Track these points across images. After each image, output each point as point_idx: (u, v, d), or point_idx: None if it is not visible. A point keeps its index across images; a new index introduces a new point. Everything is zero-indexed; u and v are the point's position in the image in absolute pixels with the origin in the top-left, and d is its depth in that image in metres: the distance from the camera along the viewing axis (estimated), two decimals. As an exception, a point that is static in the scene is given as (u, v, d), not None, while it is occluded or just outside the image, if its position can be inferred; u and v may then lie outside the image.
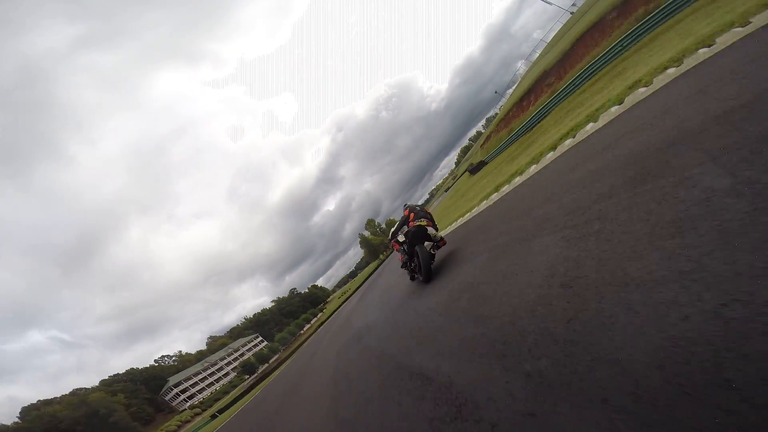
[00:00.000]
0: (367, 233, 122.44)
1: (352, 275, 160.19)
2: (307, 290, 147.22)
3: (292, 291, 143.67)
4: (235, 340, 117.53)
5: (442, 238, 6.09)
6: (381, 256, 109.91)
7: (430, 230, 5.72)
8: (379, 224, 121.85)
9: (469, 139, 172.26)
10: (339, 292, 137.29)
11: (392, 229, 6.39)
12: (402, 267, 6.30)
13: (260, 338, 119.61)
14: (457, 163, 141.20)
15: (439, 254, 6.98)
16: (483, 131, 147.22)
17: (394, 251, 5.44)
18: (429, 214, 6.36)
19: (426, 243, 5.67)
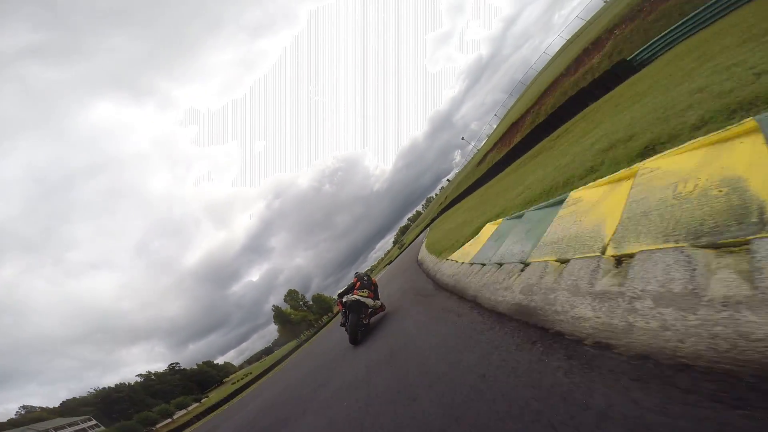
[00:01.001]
0: (285, 306, 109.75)
1: (267, 351, 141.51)
2: (196, 366, 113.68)
3: (172, 366, 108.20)
4: (58, 416, 79.14)
5: (381, 305, 7.37)
6: (302, 336, 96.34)
7: (367, 301, 6.82)
8: (303, 297, 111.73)
9: (408, 219, 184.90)
10: (244, 371, 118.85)
11: (339, 291, 7.41)
12: (341, 325, 7.23)
13: (93, 422, 79.81)
14: (395, 242, 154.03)
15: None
16: (422, 211, 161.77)
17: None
18: (374, 284, 7.38)
19: (365, 308, 6.80)
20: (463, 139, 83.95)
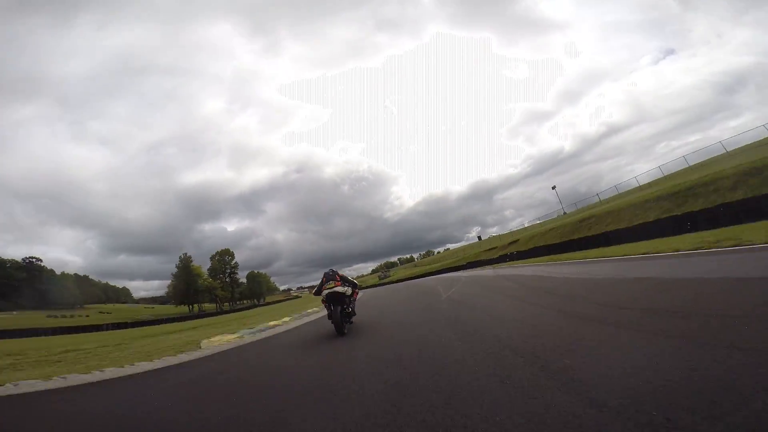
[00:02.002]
0: (204, 266, 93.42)
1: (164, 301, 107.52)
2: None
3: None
4: None
5: (354, 291, 8.03)
6: (196, 307, 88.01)
7: (339, 289, 7.27)
8: (236, 266, 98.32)
9: (398, 258, 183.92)
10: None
11: (313, 292, 8.26)
12: (328, 318, 7.64)
13: None
14: (373, 271, 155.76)
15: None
16: (415, 259, 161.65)
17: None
18: (338, 274, 7.83)
19: (343, 297, 7.36)
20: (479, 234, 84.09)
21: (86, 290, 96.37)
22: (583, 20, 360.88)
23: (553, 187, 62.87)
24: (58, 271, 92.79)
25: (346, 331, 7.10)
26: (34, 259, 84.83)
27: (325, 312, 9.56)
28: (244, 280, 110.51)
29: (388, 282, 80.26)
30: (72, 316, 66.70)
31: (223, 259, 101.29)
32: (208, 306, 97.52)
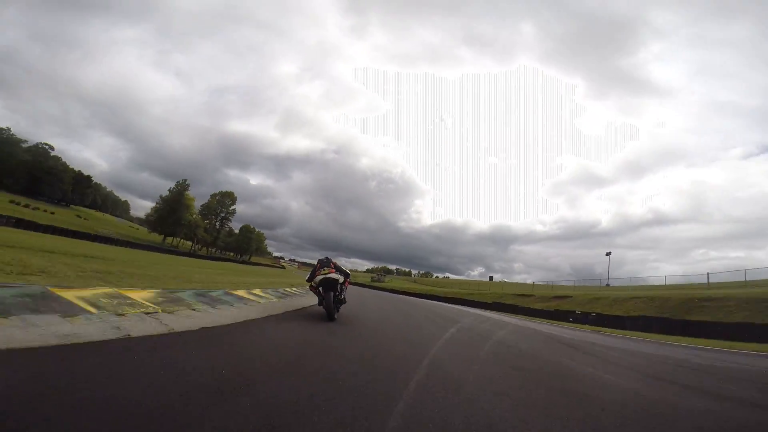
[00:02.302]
0: (194, 199, 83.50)
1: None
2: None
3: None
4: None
5: (345, 280, 7.91)
6: (170, 240, 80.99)
7: (333, 276, 7.38)
8: (232, 213, 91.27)
9: (396, 268, 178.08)
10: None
11: (306, 278, 8.22)
12: (318, 305, 7.84)
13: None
14: (368, 270, 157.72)
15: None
16: (413, 276, 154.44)
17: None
18: (333, 262, 7.90)
19: (336, 283, 7.43)
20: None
21: (82, 191, 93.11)
22: (691, 93, 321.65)
23: (608, 253, 54.75)
24: (79, 169, 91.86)
25: (336, 317, 7.29)
26: (46, 146, 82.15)
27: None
28: (237, 231, 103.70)
29: (380, 287, 73.78)
30: (43, 210, 62.83)
31: (222, 201, 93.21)
32: (184, 244, 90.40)
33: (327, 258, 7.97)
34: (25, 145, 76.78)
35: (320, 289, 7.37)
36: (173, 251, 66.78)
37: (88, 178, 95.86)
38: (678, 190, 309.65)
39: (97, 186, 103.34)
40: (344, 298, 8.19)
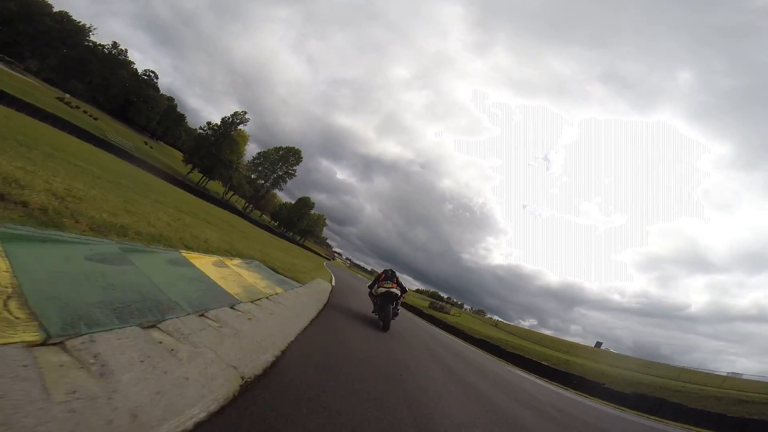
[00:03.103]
0: (248, 138, 68.25)
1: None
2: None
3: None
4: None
5: (402, 294, 8.16)
6: (199, 178, 61.17)
7: (395, 291, 7.73)
8: (293, 173, 76.41)
9: (447, 297, 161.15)
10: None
11: (369, 284, 9.10)
12: (373, 312, 8.35)
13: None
14: (421, 292, 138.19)
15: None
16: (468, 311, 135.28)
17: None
18: (396, 277, 8.19)
19: (396, 298, 7.83)
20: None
21: (167, 126, 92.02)
22: None
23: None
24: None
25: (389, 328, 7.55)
26: (152, 73, 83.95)
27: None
28: (290, 201, 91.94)
29: (442, 320, 57.52)
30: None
31: (286, 157, 77.64)
32: (215, 188, 72.21)
33: (392, 271, 8.34)
34: (132, 68, 77.82)
35: (381, 300, 7.78)
36: (203, 194, 54.98)
37: (181, 116, 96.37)
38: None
39: (188, 128, 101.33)
40: (398, 311, 8.51)
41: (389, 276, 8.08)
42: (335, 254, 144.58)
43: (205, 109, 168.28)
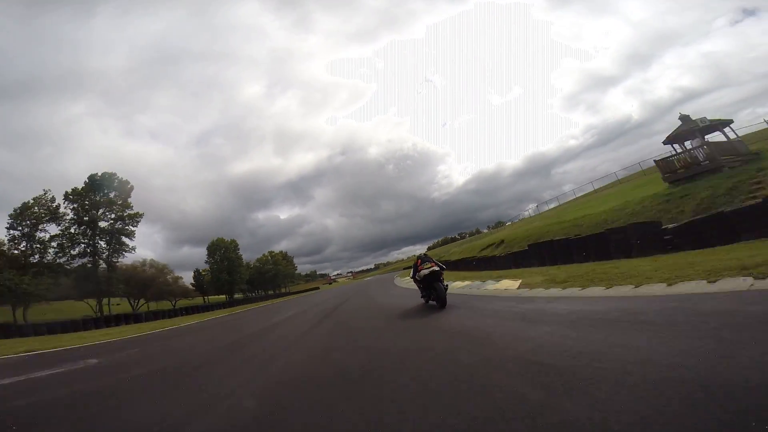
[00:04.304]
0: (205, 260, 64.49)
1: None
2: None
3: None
4: None
5: (442, 269, 8.37)
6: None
7: (436, 269, 8.09)
8: (247, 264, 72.59)
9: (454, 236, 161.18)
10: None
11: (410, 274, 10.25)
12: (422, 297, 9.06)
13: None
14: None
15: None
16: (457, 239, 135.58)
17: None
18: (431, 258, 8.68)
19: (439, 274, 8.23)
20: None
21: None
22: None
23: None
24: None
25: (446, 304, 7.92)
26: None
27: None
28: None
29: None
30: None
31: (225, 252, 68.70)
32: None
33: (425, 255, 9.14)
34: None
35: (425, 282, 8.28)
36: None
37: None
38: (692, 66, 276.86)
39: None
40: (447, 285, 8.66)
41: (425, 259, 8.59)
42: (332, 279, 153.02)
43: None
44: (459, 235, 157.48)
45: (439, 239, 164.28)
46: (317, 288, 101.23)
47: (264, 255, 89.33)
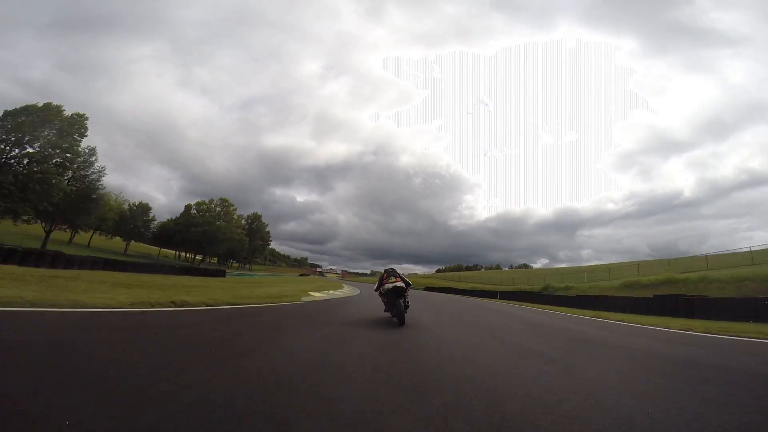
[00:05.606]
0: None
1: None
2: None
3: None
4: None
5: (407, 287, 8.32)
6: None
7: (400, 285, 8.05)
8: (258, 220, 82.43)
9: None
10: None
11: (374, 288, 9.38)
12: (385, 311, 8.75)
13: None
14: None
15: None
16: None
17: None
18: (397, 272, 8.56)
19: (403, 291, 8.21)
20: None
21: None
22: (765, 40, 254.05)
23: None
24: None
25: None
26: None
27: None
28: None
29: None
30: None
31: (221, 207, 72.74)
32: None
33: (392, 269, 8.81)
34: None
35: (390, 297, 8.14)
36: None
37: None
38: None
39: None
40: (408, 303, 8.75)
41: (391, 273, 8.60)
42: (317, 271, 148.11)
43: (129, 183, 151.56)
44: (474, 265, 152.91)
45: (452, 264, 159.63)
46: (305, 275, 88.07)
47: (204, 201, 74.57)
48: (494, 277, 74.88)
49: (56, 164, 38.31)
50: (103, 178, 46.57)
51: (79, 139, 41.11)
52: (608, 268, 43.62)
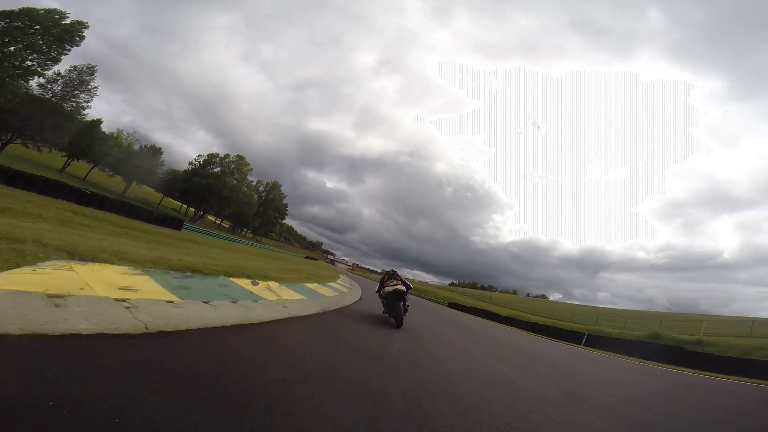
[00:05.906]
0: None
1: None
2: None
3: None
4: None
5: (407, 290, 8.39)
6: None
7: (400, 288, 8.06)
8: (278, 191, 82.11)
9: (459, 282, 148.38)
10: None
11: (376, 290, 9.12)
12: (384, 313, 8.75)
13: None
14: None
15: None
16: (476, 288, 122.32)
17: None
18: (398, 275, 8.70)
19: (404, 294, 8.22)
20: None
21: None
22: None
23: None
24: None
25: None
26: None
27: None
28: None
29: None
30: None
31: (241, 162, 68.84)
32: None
33: (393, 271, 8.90)
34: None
35: (390, 299, 8.14)
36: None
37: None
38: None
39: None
40: (408, 306, 8.70)
41: (392, 275, 8.66)
42: (328, 258, 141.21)
43: (174, 142, 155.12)
44: (489, 286, 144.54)
45: (466, 281, 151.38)
46: (313, 259, 73.01)
47: (217, 153, 71.64)
48: (525, 305, 65.65)
49: (25, 67, 33.83)
50: (91, 101, 42.00)
51: (69, 47, 36.49)
52: (624, 316, 41.96)
